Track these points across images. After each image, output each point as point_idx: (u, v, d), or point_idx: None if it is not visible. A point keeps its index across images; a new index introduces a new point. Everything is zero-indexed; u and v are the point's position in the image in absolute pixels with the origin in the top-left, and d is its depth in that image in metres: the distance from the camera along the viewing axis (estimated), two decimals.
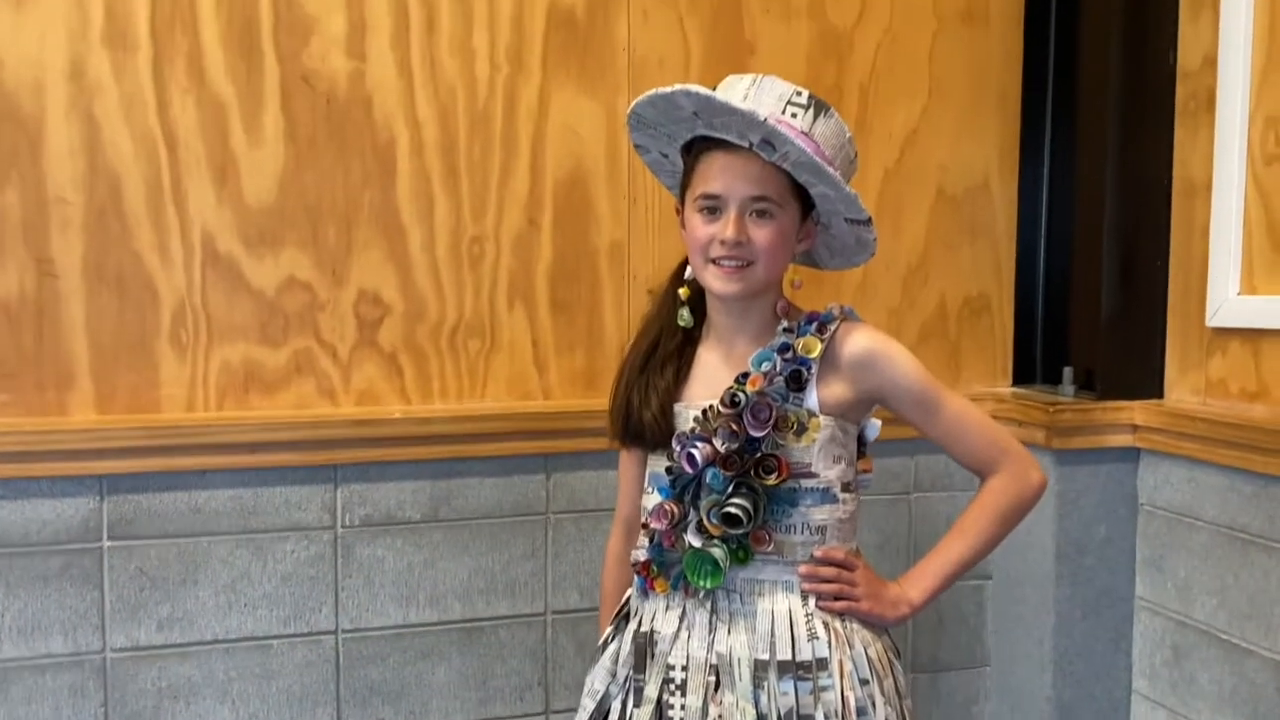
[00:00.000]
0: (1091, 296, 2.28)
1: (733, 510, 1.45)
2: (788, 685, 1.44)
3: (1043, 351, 2.48)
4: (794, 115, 1.43)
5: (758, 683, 1.45)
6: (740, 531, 1.45)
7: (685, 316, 1.55)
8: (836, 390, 1.50)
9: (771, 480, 1.45)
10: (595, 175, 2.20)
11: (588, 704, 1.56)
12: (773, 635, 1.46)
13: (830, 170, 1.42)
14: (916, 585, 1.56)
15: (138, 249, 1.99)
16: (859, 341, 1.51)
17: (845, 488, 1.53)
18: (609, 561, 1.70)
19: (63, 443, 1.92)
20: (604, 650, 1.58)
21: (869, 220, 1.50)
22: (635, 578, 1.55)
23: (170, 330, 2.01)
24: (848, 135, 1.50)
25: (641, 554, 1.52)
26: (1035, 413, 2.22)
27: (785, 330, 1.51)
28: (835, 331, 1.51)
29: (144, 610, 1.98)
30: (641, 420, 1.51)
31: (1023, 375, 2.48)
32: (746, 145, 1.43)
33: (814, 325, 1.51)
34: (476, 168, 2.14)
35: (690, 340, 1.57)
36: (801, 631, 1.46)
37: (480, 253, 2.14)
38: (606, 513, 2.04)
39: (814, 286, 2.30)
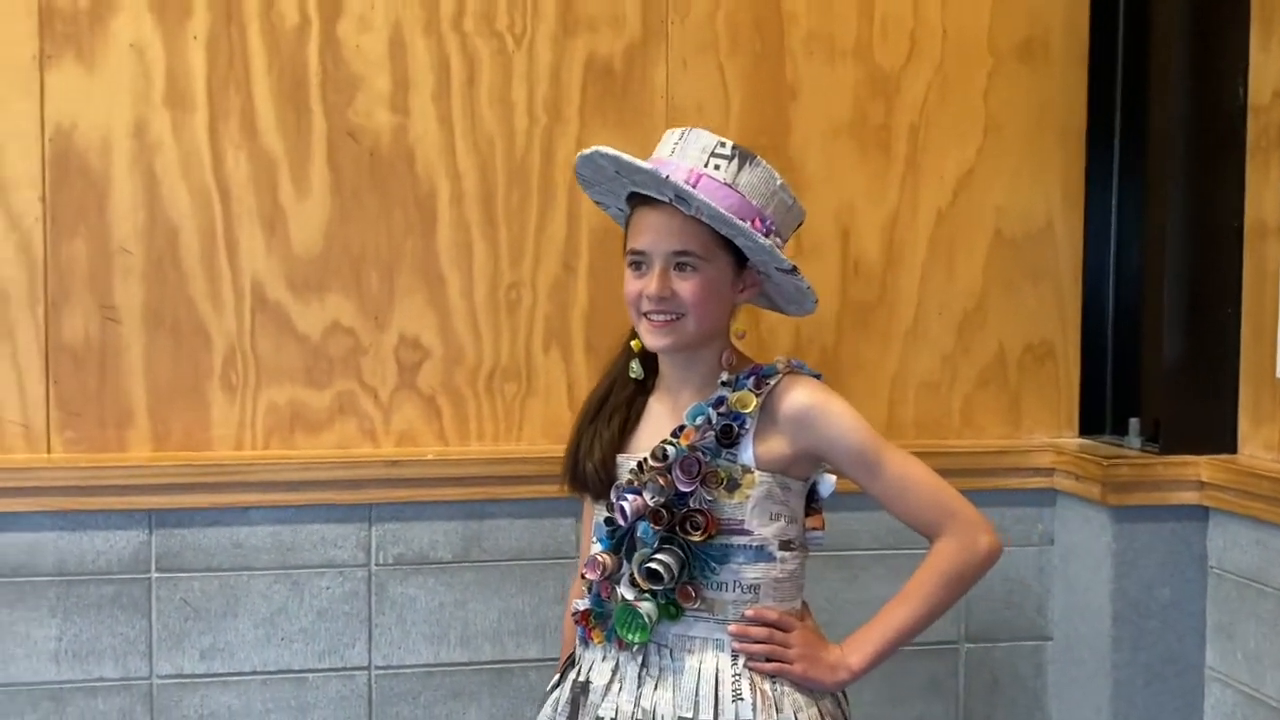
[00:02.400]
0: (1160, 343, 2.04)
1: (654, 566, 1.34)
2: None
3: (1112, 401, 2.25)
4: (716, 167, 1.36)
5: None
6: (661, 587, 1.34)
7: (635, 369, 1.46)
8: (774, 446, 1.39)
9: (697, 536, 1.33)
10: None
11: None
12: (697, 694, 1.36)
13: (739, 223, 1.34)
14: (858, 651, 1.42)
15: (192, 296, 2.00)
16: (796, 398, 1.39)
17: (785, 545, 1.41)
18: (569, 608, 1.60)
19: (115, 478, 1.93)
20: (548, 696, 1.49)
21: (793, 269, 1.40)
22: (577, 627, 1.45)
23: (221, 373, 2.02)
24: (778, 182, 1.41)
25: (581, 604, 1.42)
26: (1090, 466, 2.01)
27: (724, 384, 1.40)
28: (775, 386, 1.38)
29: (188, 640, 1.97)
30: (584, 470, 1.42)
31: (1091, 425, 2.25)
32: (667, 200, 1.34)
33: (752, 380, 1.39)
34: (514, 216, 2.08)
35: (644, 391, 1.47)
36: (726, 692, 1.35)
37: (517, 298, 2.08)
38: None
39: (859, 331, 2.15)
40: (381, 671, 2.04)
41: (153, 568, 1.97)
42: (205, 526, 1.98)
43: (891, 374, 2.20)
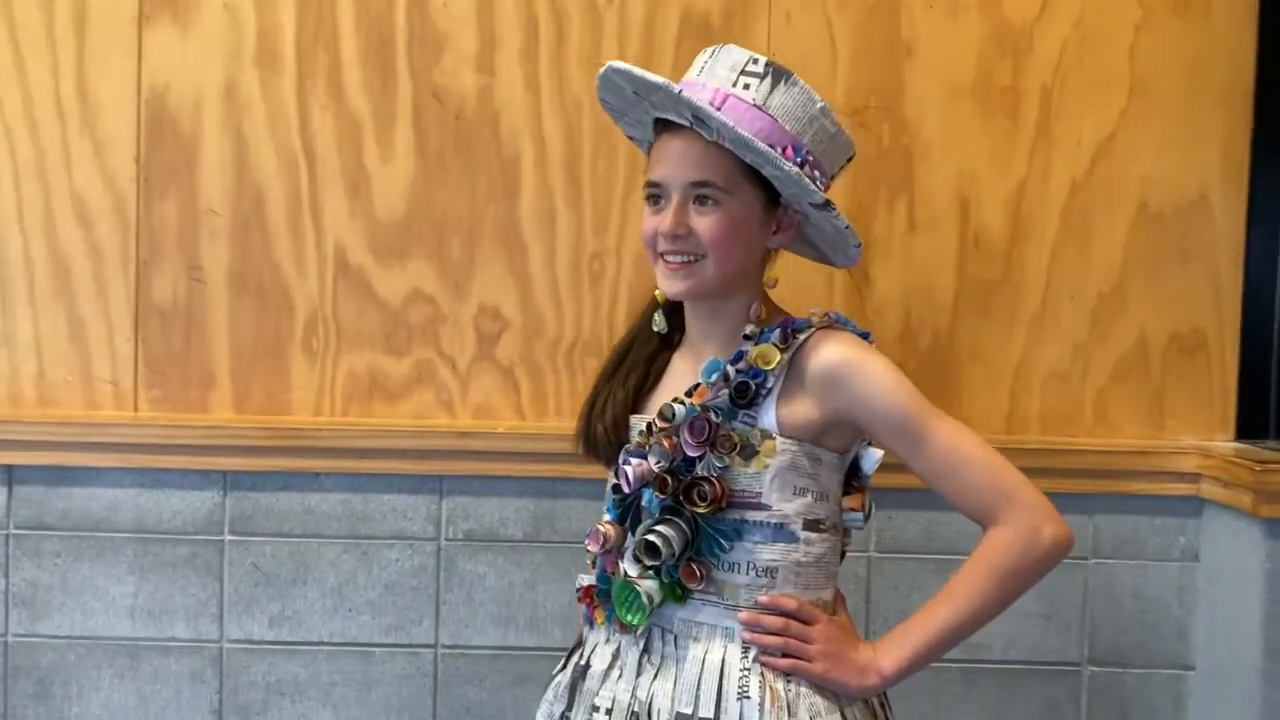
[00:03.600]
0: None
1: (651, 539, 1.15)
2: None
3: (1277, 401, 1.91)
4: (746, 86, 1.17)
5: None
6: (658, 564, 1.14)
7: (659, 321, 1.27)
8: (801, 409, 1.18)
9: (703, 508, 1.13)
10: None
11: None
12: (699, 687, 1.15)
13: (763, 147, 1.14)
14: (890, 654, 1.19)
15: (276, 259, 1.93)
16: (827, 354, 1.17)
17: (812, 526, 1.19)
18: None
19: (191, 438, 1.88)
20: (551, 679, 1.32)
21: (825, 204, 1.18)
22: (580, 606, 1.27)
23: (303, 337, 1.94)
24: (818, 105, 1.20)
25: (585, 580, 1.24)
26: (1242, 473, 1.70)
27: (746, 337, 1.19)
28: (805, 341, 1.17)
29: (257, 606, 1.90)
30: (595, 431, 1.24)
31: (1250, 429, 1.92)
32: (687, 124, 1.16)
33: (778, 333, 1.17)
34: (600, 182, 1.93)
35: (670, 347, 1.28)
36: (731, 688, 1.15)
37: (600, 269, 1.92)
38: None
39: (978, 313, 1.90)
40: (448, 651, 1.92)
41: (226, 530, 1.90)
42: (277, 491, 1.90)
43: (1015, 363, 1.93)
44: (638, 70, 1.18)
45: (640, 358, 1.20)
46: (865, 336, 1.29)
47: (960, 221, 1.94)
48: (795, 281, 1.86)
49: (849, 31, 1.93)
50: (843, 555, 1.34)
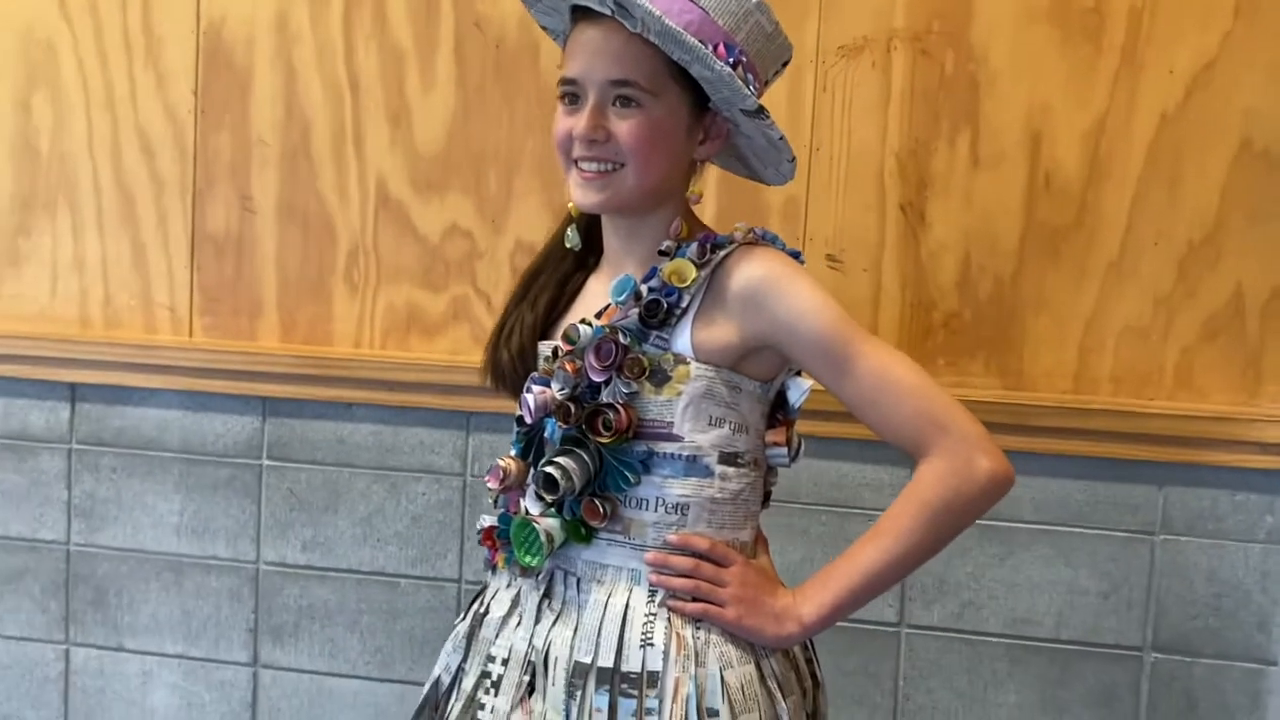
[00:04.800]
0: None
1: (550, 471, 1.04)
2: (602, 699, 1.02)
3: None
4: None
5: (571, 691, 1.02)
6: (557, 498, 1.03)
7: (571, 237, 1.15)
8: (719, 332, 1.04)
9: (607, 438, 1.01)
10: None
11: (425, 690, 1.21)
12: (599, 634, 1.04)
13: (692, 42, 0.99)
14: (812, 600, 1.05)
15: (321, 190, 1.92)
16: (749, 269, 1.03)
17: (729, 459, 1.06)
18: None
19: (235, 363, 1.89)
20: (453, 630, 1.23)
21: (758, 110, 1.03)
22: (481, 547, 1.17)
23: (345, 269, 1.92)
24: (754, 1, 1.03)
25: (487, 519, 1.14)
26: None
27: (662, 253, 1.06)
28: (724, 258, 1.03)
29: (291, 530, 1.91)
30: (500, 359, 1.13)
31: None
32: (608, 13, 1.02)
33: (694, 247, 1.04)
34: None
35: (586, 268, 1.16)
36: (634, 635, 1.03)
37: None
38: None
39: (1046, 260, 1.70)
40: (471, 587, 1.86)
41: (264, 455, 1.91)
42: (312, 419, 1.89)
43: (1086, 316, 1.72)
44: None
45: (552, 279, 1.09)
46: (795, 255, 1.14)
47: (1030, 158, 1.73)
48: (843, 220, 1.71)
49: None
50: (768, 495, 1.20)
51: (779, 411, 1.14)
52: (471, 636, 1.16)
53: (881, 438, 1.09)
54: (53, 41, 1.96)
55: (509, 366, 1.15)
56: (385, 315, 1.93)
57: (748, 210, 1.80)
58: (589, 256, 1.18)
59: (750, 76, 1.06)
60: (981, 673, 1.74)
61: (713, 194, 1.79)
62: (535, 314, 1.14)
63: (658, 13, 0.96)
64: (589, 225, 1.18)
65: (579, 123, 1.00)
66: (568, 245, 1.17)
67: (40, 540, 1.98)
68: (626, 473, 0.99)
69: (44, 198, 1.99)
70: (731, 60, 1.03)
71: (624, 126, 0.99)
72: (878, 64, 1.76)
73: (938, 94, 1.75)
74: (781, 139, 1.02)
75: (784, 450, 1.12)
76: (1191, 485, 1.68)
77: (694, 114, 1.02)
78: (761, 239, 1.10)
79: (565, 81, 1.02)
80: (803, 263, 1.15)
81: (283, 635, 1.92)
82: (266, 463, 1.92)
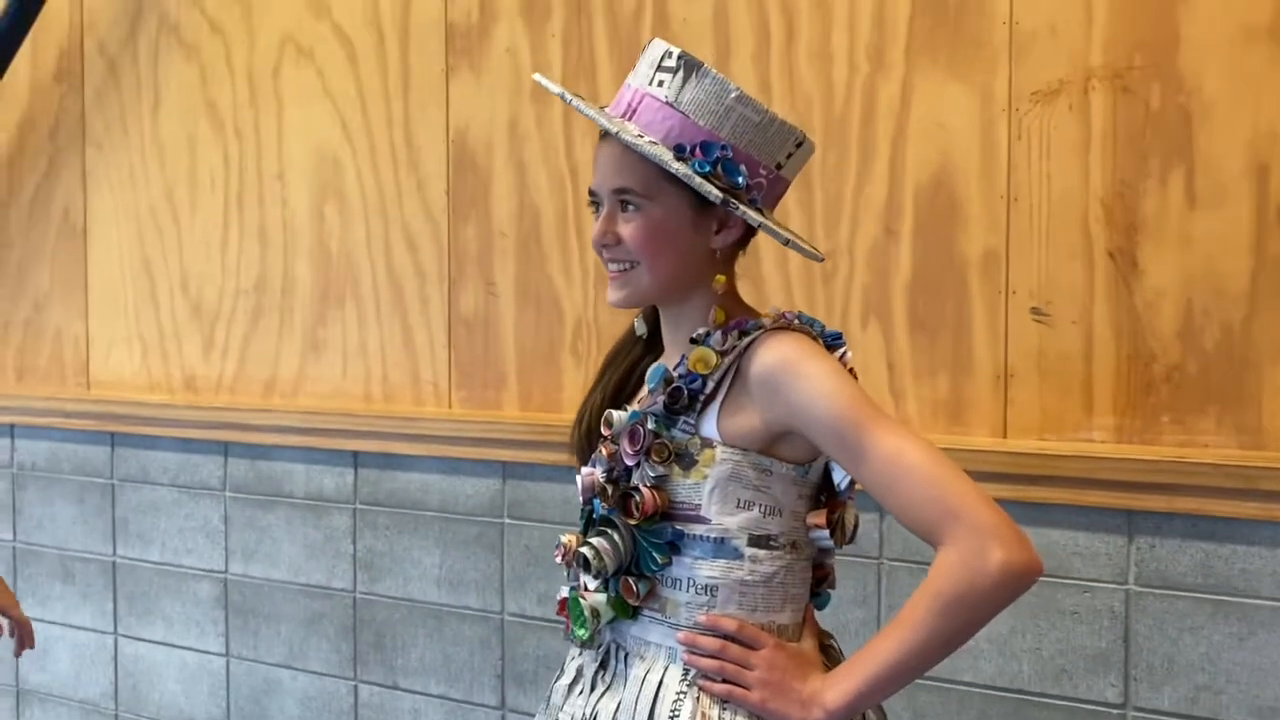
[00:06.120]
0: None
1: (584, 550, 1.08)
2: None
3: None
4: (660, 84, 1.07)
5: None
6: (590, 576, 1.07)
7: (637, 325, 1.21)
8: (744, 417, 1.05)
9: (635, 519, 1.05)
10: (965, 172, 1.74)
11: None
12: (635, 708, 1.06)
13: (648, 149, 1.04)
14: (837, 687, 1.02)
15: (550, 272, 2.10)
16: (766, 355, 1.04)
17: (759, 542, 1.06)
18: None
19: (481, 432, 2.10)
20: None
21: (724, 200, 1.05)
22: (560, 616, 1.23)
23: (570, 343, 2.08)
24: (733, 94, 1.05)
25: (563, 590, 1.20)
26: None
27: (693, 340, 1.08)
28: (749, 343, 1.03)
29: (529, 584, 2.07)
30: (575, 438, 1.20)
31: None
32: (612, 131, 1.09)
33: (718, 335, 1.06)
34: (830, 177, 1.84)
35: (653, 352, 1.21)
36: (664, 711, 1.05)
37: (833, 268, 1.84)
38: None
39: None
40: None
41: (505, 514, 2.09)
42: (543, 481, 2.04)
43: None
44: (555, 87, 1.14)
45: (623, 364, 1.15)
46: (836, 337, 1.12)
47: (1257, 192, 1.56)
48: (1047, 271, 1.64)
49: None
50: (825, 578, 1.16)
51: (825, 493, 1.12)
52: (549, 700, 1.23)
53: (901, 523, 1.04)
54: (338, 157, 2.28)
55: (579, 443, 1.21)
56: None
57: (944, 266, 1.76)
58: (659, 343, 1.23)
59: (742, 166, 1.07)
60: None
61: (909, 250, 1.76)
62: (604, 396, 1.20)
63: (614, 129, 1.03)
64: (655, 313, 1.23)
65: (595, 229, 1.07)
66: (637, 333, 1.23)
67: (333, 588, 2.27)
68: (655, 553, 1.04)
69: (335, 292, 2.30)
70: (714, 156, 1.06)
71: (628, 229, 1.06)
72: (1075, 106, 1.66)
73: (1144, 132, 1.62)
74: (762, 224, 1.04)
75: (826, 533, 1.09)
76: (1242, 544, 1.42)
77: (699, 208, 1.05)
78: (792, 322, 1.10)
79: (590, 193, 1.10)
80: (844, 346, 1.13)
81: (524, 682, 2.07)
82: (507, 521, 2.09)
